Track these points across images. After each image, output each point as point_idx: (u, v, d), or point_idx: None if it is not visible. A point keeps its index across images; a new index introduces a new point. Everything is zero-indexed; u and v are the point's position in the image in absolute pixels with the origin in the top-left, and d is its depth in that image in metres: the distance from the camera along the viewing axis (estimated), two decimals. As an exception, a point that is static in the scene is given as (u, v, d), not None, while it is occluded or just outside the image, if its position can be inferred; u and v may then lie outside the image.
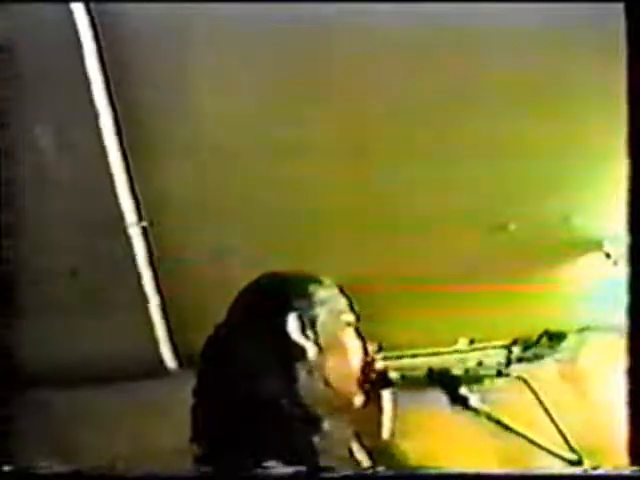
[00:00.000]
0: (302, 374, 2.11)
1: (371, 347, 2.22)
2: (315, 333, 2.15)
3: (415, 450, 2.97)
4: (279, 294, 2.20)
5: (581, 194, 3.19)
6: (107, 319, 3.28)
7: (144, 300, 3.28)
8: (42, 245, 3.07)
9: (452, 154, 2.97)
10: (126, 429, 3.39)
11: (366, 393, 2.18)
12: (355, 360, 2.18)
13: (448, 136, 2.93)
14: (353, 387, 2.17)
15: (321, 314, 2.18)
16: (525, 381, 2.32)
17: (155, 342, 3.42)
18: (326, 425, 2.08)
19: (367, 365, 2.20)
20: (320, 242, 3.14)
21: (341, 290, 2.27)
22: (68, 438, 3.41)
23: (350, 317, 2.23)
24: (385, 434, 2.45)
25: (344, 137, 2.92)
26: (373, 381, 2.20)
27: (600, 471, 1.93)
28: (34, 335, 3.12)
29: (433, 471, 1.99)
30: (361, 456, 2.17)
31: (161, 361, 3.48)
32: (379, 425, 2.46)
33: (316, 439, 2.05)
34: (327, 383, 2.14)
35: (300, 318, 2.14)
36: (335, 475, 1.87)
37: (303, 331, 2.13)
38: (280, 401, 2.06)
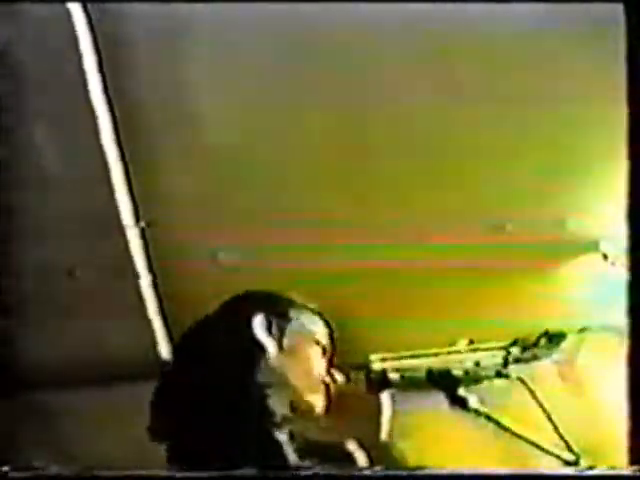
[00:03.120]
0: (262, 370, 2.14)
1: (338, 372, 2.24)
2: (280, 334, 2.18)
3: (414, 450, 2.97)
4: (257, 298, 2.25)
5: (578, 195, 3.20)
6: (105, 319, 3.27)
7: (142, 300, 3.28)
8: (40, 245, 3.07)
9: (450, 155, 2.98)
10: (124, 430, 3.38)
11: (326, 403, 2.20)
12: (315, 371, 2.20)
13: (446, 137, 2.93)
14: (312, 395, 2.19)
15: (291, 325, 2.21)
16: (524, 382, 2.33)
17: (154, 342, 3.41)
18: (286, 424, 2.09)
19: (328, 379, 2.22)
20: (319, 241, 3.14)
21: (325, 320, 2.29)
22: (66, 438, 3.40)
23: (322, 339, 2.25)
24: (384, 434, 2.45)
25: (344, 136, 2.93)
26: (331, 395, 2.22)
27: (599, 471, 1.94)
28: (31, 335, 3.13)
29: (432, 471, 2.00)
30: (359, 456, 2.18)
31: (159, 362, 3.47)
32: (378, 425, 2.46)
33: (279, 436, 2.06)
34: (286, 385, 2.16)
35: (268, 318, 2.18)
36: (334, 474, 1.88)
37: (269, 330, 2.17)
38: (241, 398, 2.08)
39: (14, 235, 2.97)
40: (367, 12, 2.58)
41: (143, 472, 1.84)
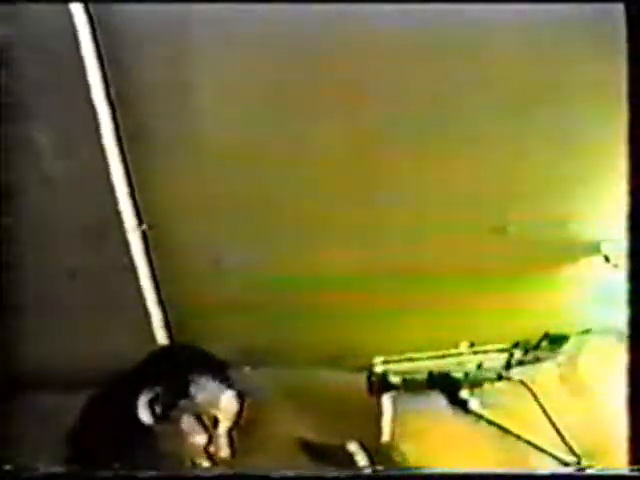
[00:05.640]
0: (144, 443, 2.21)
1: (225, 449, 2.27)
2: (166, 410, 2.26)
3: (415, 453, 2.97)
4: (159, 369, 2.34)
5: (580, 197, 3.20)
6: (106, 321, 3.28)
7: (143, 303, 3.28)
8: (42, 247, 3.07)
9: (451, 156, 2.98)
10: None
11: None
12: (194, 451, 2.25)
13: (447, 138, 2.93)
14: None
15: (182, 403, 2.27)
16: (525, 384, 2.33)
17: (154, 344, 3.41)
18: None
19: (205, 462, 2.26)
20: (320, 243, 3.14)
21: (239, 397, 2.32)
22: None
23: (211, 413, 2.29)
24: (385, 436, 2.45)
25: (345, 137, 2.93)
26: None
27: (600, 471, 1.94)
28: (32, 336, 3.13)
29: (432, 472, 2.00)
30: (361, 457, 2.18)
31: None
32: (379, 427, 2.45)
33: None
34: (162, 454, 2.22)
35: (154, 397, 2.26)
36: (339, 475, 1.88)
37: (151, 408, 2.25)
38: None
39: (15, 237, 2.97)
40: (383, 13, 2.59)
41: (144, 472, 1.84)
